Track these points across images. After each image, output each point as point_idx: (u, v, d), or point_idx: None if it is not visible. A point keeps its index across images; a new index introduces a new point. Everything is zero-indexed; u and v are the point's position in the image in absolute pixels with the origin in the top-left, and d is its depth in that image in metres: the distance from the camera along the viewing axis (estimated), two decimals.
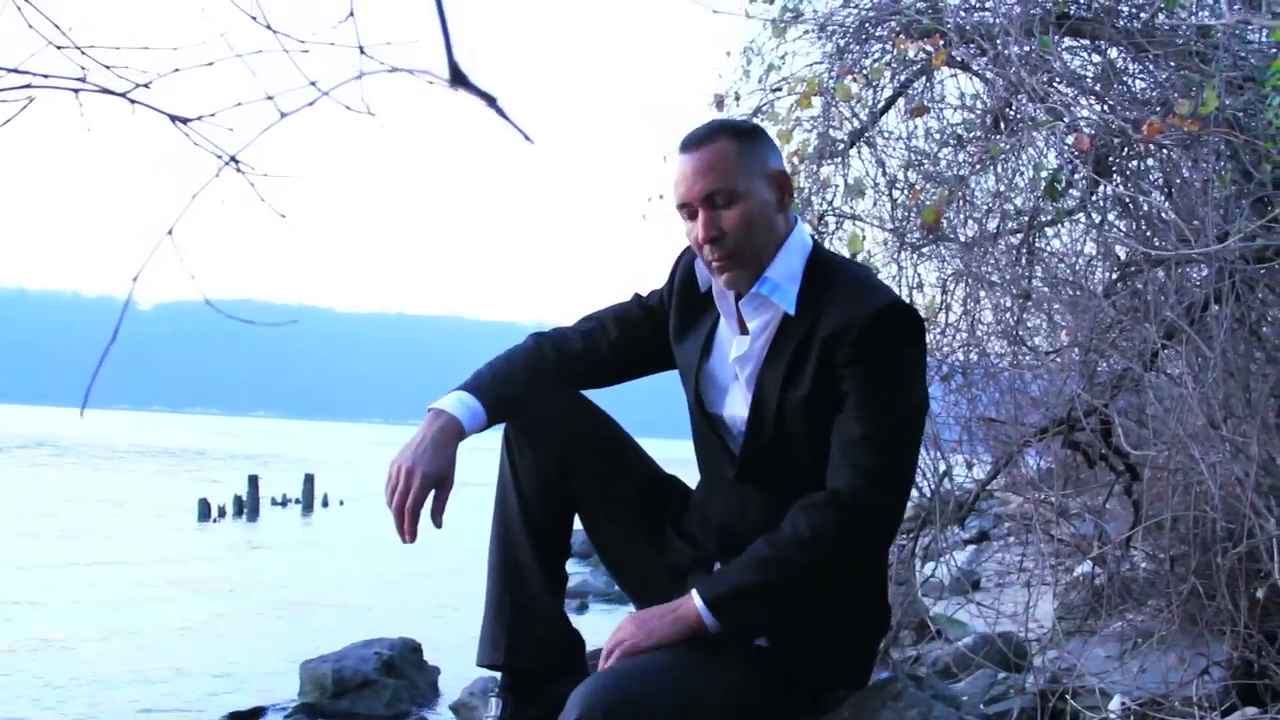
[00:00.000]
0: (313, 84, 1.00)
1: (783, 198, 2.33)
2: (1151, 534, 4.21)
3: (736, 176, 2.25)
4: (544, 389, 2.46)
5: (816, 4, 4.88)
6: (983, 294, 4.58)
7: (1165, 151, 4.07)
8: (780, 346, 2.27)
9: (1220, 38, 3.81)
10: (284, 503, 22.59)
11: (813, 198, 4.54)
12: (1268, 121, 3.56)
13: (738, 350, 2.34)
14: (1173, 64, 4.07)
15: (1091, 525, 5.00)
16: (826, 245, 4.53)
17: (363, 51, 0.92)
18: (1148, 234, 4.24)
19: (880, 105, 4.68)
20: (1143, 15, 4.20)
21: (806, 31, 4.77)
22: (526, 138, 0.70)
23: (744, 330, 2.35)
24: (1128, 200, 4.24)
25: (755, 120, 4.65)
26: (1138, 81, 4.42)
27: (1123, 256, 4.29)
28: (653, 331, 2.55)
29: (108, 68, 1.51)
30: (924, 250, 4.66)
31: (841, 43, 4.59)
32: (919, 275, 4.65)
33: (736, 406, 2.37)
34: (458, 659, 5.30)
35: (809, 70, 4.58)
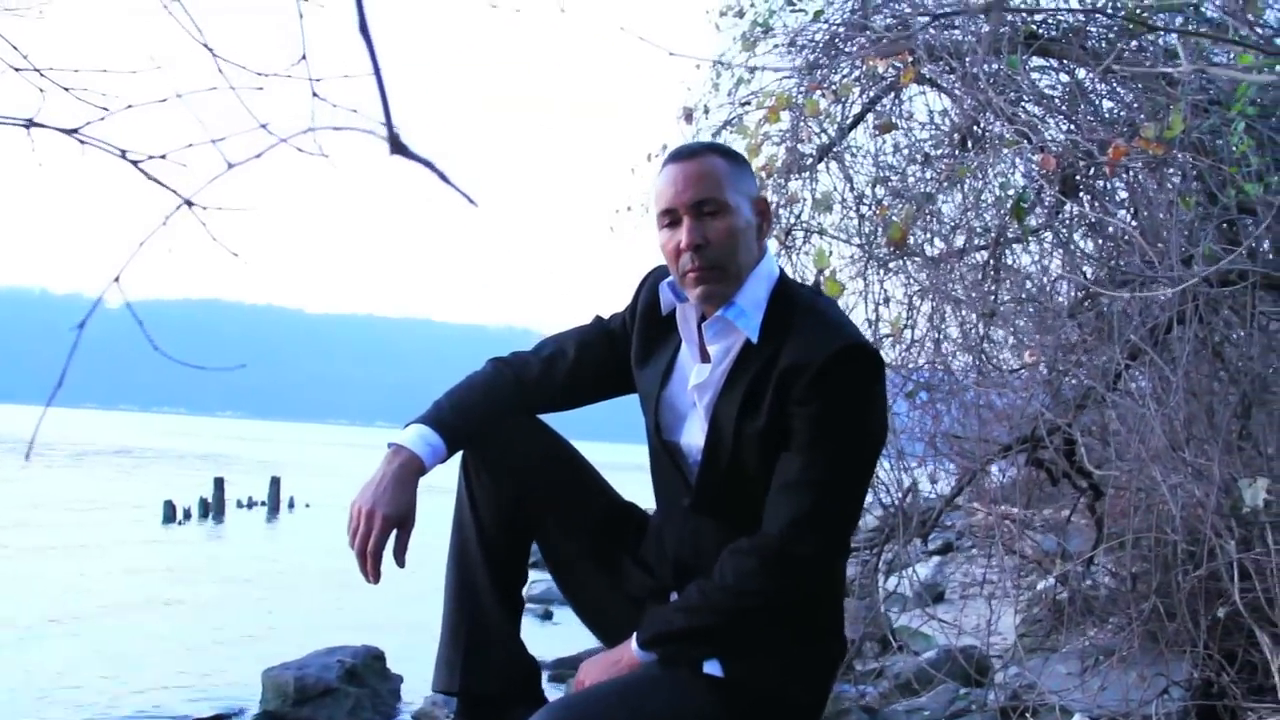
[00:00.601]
0: (263, 126, 0.99)
1: (762, 225, 2.34)
2: (1114, 552, 4.23)
3: (726, 190, 2.26)
4: (502, 416, 2.45)
5: (786, 19, 4.89)
6: (948, 310, 4.59)
7: (1132, 172, 4.10)
8: (739, 375, 2.26)
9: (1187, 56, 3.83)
10: (250, 505, 22.39)
11: (780, 211, 4.55)
12: (1233, 145, 3.58)
13: (697, 378, 2.32)
14: (1140, 85, 4.09)
15: (1054, 541, 5.02)
16: (793, 260, 4.55)
17: (315, 94, 0.91)
18: (1113, 254, 4.26)
19: (849, 121, 4.70)
20: (1110, 37, 4.22)
21: (776, 46, 4.79)
22: (470, 201, 0.69)
23: (705, 358, 2.34)
24: (1093, 220, 4.26)
25: (724, 133, 4.67)
26: (1105, 102, 4.44)
27: (1089, 275, 4.31)
28: (612, 356, 2.54)
29: (66, 89, 1.49)
30: (890, 266, 4.67)
31: (811, 58, 4.61)
32: (885, 291, 4.67)
33: (694, 435, 2.35)
34: (421, 668, 5.27)
35: (778, 85, 4.58)
